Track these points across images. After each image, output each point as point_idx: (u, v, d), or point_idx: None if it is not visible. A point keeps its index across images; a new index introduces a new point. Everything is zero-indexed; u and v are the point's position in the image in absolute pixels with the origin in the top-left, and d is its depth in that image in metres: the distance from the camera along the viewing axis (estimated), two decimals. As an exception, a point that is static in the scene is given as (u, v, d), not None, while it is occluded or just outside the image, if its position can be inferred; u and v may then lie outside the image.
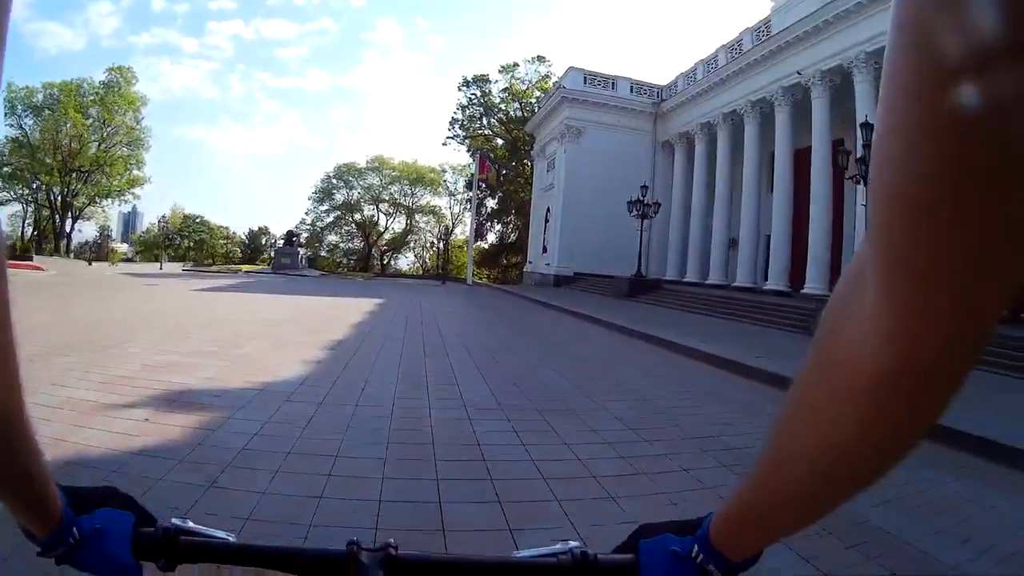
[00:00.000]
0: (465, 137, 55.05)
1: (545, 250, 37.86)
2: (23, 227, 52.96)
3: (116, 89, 52.30)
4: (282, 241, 55.43)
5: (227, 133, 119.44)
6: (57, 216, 52.91)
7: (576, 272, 33.44)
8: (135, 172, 55.53)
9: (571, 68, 36.14)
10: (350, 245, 66.00)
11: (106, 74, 53.74)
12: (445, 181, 64.96)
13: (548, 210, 37.93)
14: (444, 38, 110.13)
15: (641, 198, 26.89)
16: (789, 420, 0.45)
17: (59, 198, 52.21)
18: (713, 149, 28.67)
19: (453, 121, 54.65)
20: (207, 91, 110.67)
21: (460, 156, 69.24)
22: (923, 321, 0.32)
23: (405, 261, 70.79)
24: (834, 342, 0.39)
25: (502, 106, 52.26)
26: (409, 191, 64.40)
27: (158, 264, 45.52)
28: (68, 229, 54.73)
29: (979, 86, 0.23)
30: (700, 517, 0.58)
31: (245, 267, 48.16)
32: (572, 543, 0.58)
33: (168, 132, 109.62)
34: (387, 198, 64.54)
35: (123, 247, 67.98)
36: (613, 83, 35.57)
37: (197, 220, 66.17)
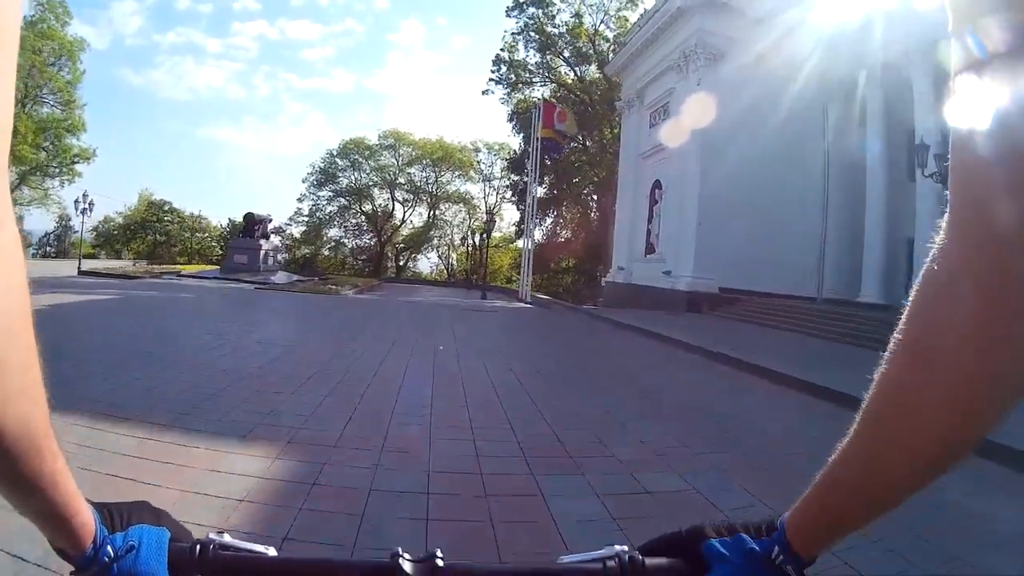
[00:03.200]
0: (511, 85, 40.05)
1: (652, 249, 23.32)
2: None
3: (39, 27, 39.36)
4: (238, 228, 38.50)
5: (251, 134, 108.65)
6: None
7: (725, 288, 18.95)
8: (71, 141, 42.92)
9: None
10: (358, 242, 51.85)
11: (32, 9, 40.53)
12: (479, 162, 50.76)
13: (657, 187, 23.41)
14: (467, 37, 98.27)
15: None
16: (878, 416, 0.47)
17: None
18: None
19: (498, 61, 39.38)
20: (232, 91, 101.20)
21: (497, 129, 54.22)
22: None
23: (427, 263, 56.61)
24: (931, 342, 0.42)
25: (564, 47, 37.20)
26: (433, 174, 50.30)
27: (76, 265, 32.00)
28: None
29: None
30: (766, 519, 0.58)
31: (187, 267, 34.03)
32: (619, 547, 0.56)
33: (192, 132, 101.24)
34: (404, 182, 50.45)
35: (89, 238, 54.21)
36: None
37: (165, 208, 52.35)
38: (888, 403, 0.47)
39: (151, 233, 51.55)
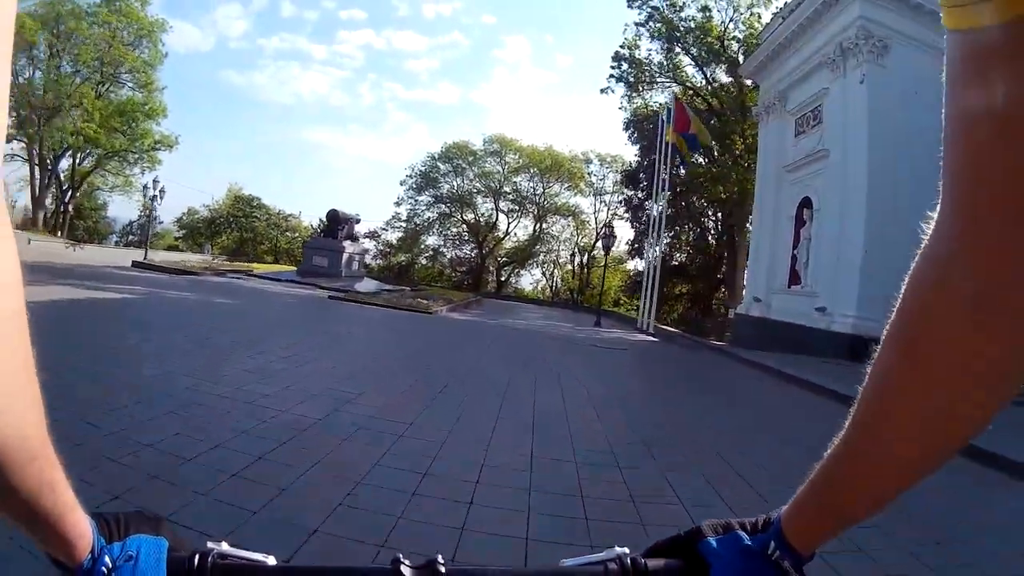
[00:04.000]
0: (632, 85, 36.34)
1: (797, 279, 19.56)
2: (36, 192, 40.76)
3: (116, 3, 38.62)
4: (320, 228, 34.50)
5: (354, 140, 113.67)
6: (39, 175, 40.06)
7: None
8: (151, 126, 41.82)
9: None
10: (457, 252, 50.18)
11: (151, 14, 40.91)
12: (589, 174, 47.85)
13: (805, 206, 19.64)
14: (572, 56, 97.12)
15: None
16: (868, 410, 0.47)
17: (39, 151, 39.45)
18: None
19: (618, 58, 35.77)
20: (336, 98, 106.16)
21: (612, 139, 51.04)
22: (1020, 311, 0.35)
23: (529, 279, 54.18)
24: (919, 334, 0.42)
25: (692, 44, 33.36)
26: (540, 185, 47.94)
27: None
28: (55, 191, 41.66)
29: None
30: (762, 515, 0.59)
31: (261, 267, 31.65)
32: (619, 548, 0.57)
33: (293, 135, 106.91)
34: (510, 191, 48.35)
35: (173, 229, 53.71)
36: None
37: (254, 203, 51.44)
38: (877, 397, 0.47)
39: (236, 228, 50.60)
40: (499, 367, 9.63)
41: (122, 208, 50.23)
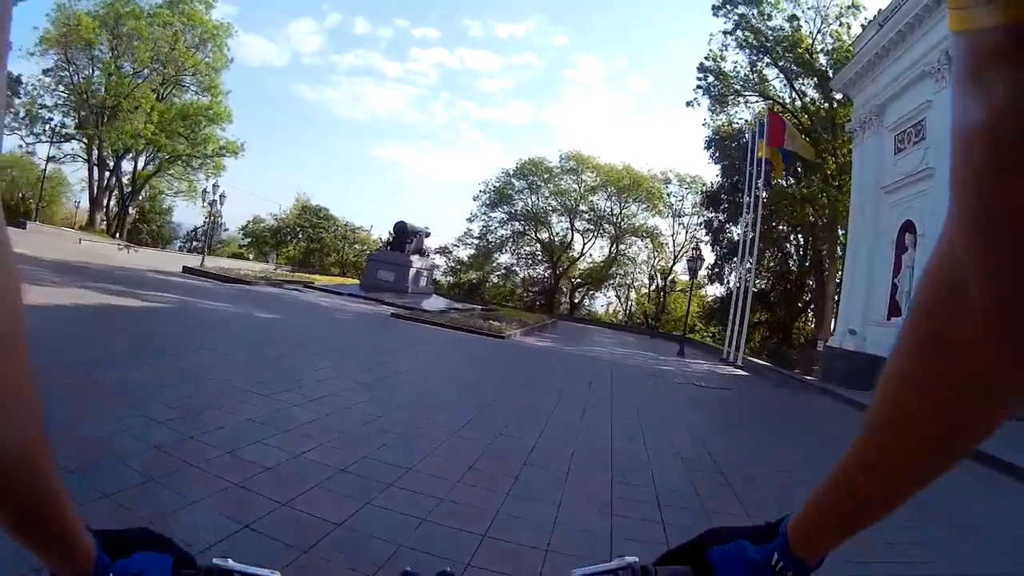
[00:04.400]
0: (718, 98, 34.48)
1: (898, 311, 17.74)
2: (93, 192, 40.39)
3: (180, 6, 38.85)
4: (386, 240, 32.11)
5: (427, 156, 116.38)
6: (97, 175, 39.96)
7: None
8: (216, 131, 41.49)
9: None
10: (530, 272, 49.49)
11: (216, 18, 40.76)
12: (668, 194, 46.32)
13: (907, 230, 17.84)
14: (645, 80, 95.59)
15: None
16: (876, 417, 0.48)
17: (97, 152, 39.39)
18: None
19: (703, 70, 34.07)
20: (409, 115, 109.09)
21: (691, 160, 49.62)
22: None
23: (602, 301, 52.87)
24: (936, 342, 0.42)
25: (781, 55, 31.49)
26: (617, 205, 46.79)
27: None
28: (117, 193, 41.20)
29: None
30: (770, 522, 0.58)
31: (322, 279, 30.11)
32: (629, 558, 0.57)
33: (365, 150, 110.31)
34: (586, 210, 47.42)
35: (237, 237, 53.32)
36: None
37: (321, 214, 50.27)
38: (885, 403, 0.47)
39: (303, 238, 49.83)
40: (600, 423, 7.37)
41: (187, 214, 51.06)
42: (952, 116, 0.35)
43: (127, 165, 42.19)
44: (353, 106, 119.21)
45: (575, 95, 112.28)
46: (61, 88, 37.72)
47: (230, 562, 0.54)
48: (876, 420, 0.48)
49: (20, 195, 41.82)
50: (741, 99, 34.24)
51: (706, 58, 33.63)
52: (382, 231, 51.84)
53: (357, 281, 30.34)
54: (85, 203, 42.54)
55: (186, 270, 22.26)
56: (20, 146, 38.27)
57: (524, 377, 11.19)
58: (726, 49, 32.89)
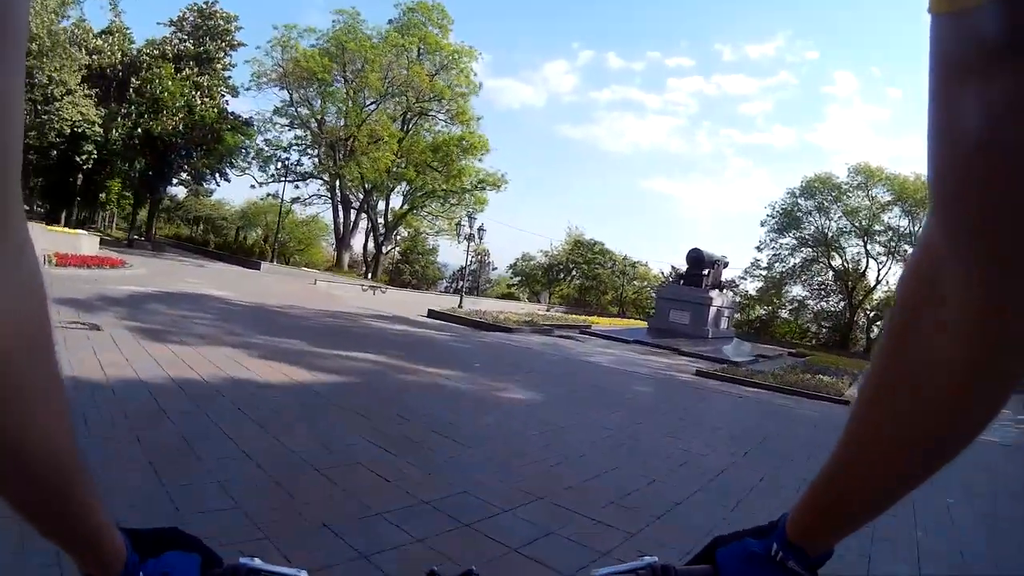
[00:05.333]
0: None
1: None
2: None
3: (457, 60, 38.40)
4: (678, 273, 28.43)
5: (696, 187, 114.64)
6: (342, 214, 39.88)
7: None
8: (471, 163, 39.20)
9: None
10: (823, 304, 42.43)
11: (454, 41, 39.92)
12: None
13: None
14: (900, 89, 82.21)
15: None
16: (867, 412, 0.48)
17: (340, 190, 39.26)
18: None
19: None
20: (674, 146, 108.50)
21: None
22: (1009, 317, 0.35)
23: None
24: (915, 338, 0.41)
25: None
26: (915, 222, 38.53)
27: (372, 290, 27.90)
28: (372, 233, 40.59)
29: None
30: (773, 521, 0.59)
31: (600, 321, 25.77)
32: (648, 557, 0.58)
33: (634, 183, 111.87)
34: (880, 230, 39.52)
35: (507, 277, 50.82)
36: None
37: (596, 248, 45.80)
38: (875, 397, 0.47)
39: (578, 275, 46.24)
40: None
41: (453, 254, 50.08)
42: (929, 113, 0.32)
43: (381, 204, 41.70)
44: (617, 140, 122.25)
45: (836, 112, 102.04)
46: (296, 126, 38.35)
47: (257, 561, 0.54)
48: (860, 415, 0.48)
49: (274, 238, 40.48)
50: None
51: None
52: (661, 264, 48.95)
53: (640, 322, 27.07)
54: (356, 247, 43.17)
55: (431, 314, 19.00)
56: (253, 186, 39.34)
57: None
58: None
